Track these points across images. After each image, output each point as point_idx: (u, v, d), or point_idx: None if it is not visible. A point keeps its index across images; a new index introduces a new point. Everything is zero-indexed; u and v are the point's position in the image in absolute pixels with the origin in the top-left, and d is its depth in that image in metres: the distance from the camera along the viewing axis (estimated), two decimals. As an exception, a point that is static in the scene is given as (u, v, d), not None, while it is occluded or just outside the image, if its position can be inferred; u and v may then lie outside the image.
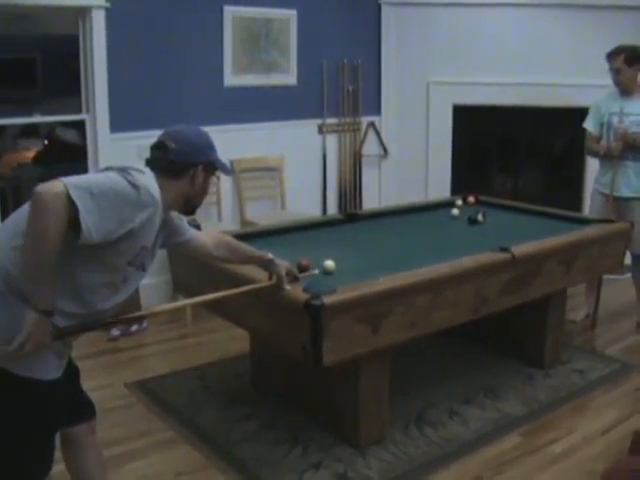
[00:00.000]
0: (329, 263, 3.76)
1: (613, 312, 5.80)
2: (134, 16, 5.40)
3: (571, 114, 6.88)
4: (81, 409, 2.83)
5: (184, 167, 2.68)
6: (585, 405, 4.41)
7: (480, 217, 4.90)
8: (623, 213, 5.27)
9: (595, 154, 5.56)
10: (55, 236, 2.22)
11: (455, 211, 5.18)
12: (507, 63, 6.80)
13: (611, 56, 5.23)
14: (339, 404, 3.86)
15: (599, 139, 5.47)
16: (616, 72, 5.23)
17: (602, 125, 5.42)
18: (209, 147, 2.80)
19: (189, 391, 4.46)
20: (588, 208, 5.80)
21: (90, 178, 2.40)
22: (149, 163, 2.67)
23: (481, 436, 3.98)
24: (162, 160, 2.66)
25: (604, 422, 4.17)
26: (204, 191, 2.82)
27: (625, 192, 5.32)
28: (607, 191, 5.38)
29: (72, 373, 2.75)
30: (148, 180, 2.52)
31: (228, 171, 3.07)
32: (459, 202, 5.49)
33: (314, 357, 3.22)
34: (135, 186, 2.40)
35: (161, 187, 2.56)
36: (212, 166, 2.81)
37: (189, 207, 2.79)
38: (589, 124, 5.53)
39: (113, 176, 2.41)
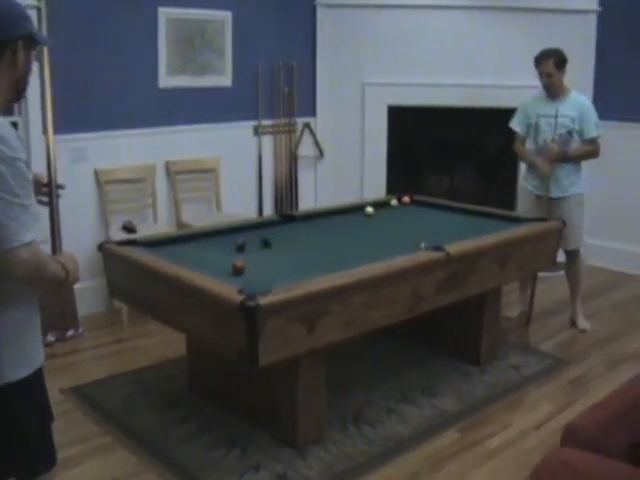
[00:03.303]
0: None
1: (546, 309, 5.89)
2: (67, 17, 5.31)
3: (504, 114, 6.94)
4: None
5: (1, 46, 2.25)
6: (520, 400, 4.49)
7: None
8: (553, 212, 5.37)
9: (522, 158, 5.73)
10: None
11: (369, 209, 5.22)
12: (441, 64, 6.87)
13: (540, 61, 5.32)
14: (277, 405, 3.86)
15: (525, 139, 5.64)
16: (547, 76, 5.31)
17: (529, 126, 5.54)
18: (25, 18, 2.32)
19: (125, 395, 4.41)
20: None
21: None
22: None
23: (419, 433, 4.01)
24: None
25: (539, 416, 4.25)
26: (29, 69, 2.37)
27: (555, 193, 5.43)
28: (538, 192, 5.50)
29: None
30: None
31: (47, 42, 2.85)
32: (394, 202, 5.54)
33: (250, 358, 3.22)
34: None
35: None
36: (32, 39, 2.34)
37: (18, 93, 2.39)
38: (515, 125, 5.64)
39: None
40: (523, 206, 5.67)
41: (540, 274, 5.64)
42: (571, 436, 2.44)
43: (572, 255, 5.61)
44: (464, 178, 7.51)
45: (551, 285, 6.05)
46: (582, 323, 5.61)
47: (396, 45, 6.86)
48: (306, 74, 6.92)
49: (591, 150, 5.44)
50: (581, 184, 5.51)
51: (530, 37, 6.76)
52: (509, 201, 6.97)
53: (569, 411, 4.14)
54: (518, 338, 5.44)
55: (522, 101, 5.67)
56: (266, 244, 4.29)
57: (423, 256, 4.02)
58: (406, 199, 5.62)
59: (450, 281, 4.14)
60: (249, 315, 3.14)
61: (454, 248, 4.14)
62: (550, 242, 4.94)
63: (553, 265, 5.17)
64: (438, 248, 4.09)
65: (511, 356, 5.04)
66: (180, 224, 6.01)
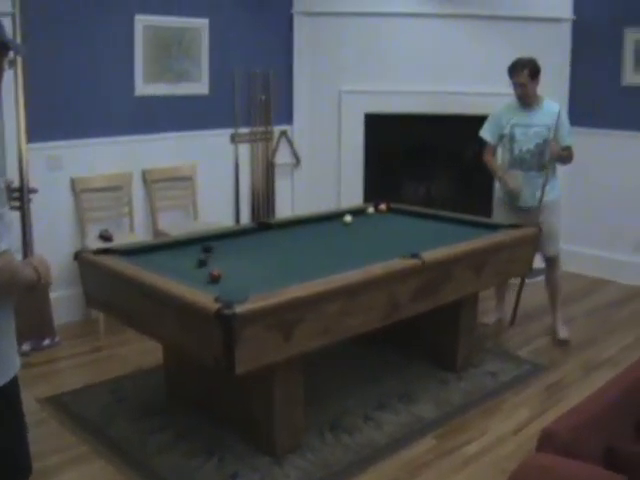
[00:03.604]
0: None
1: (523, 315, 5.90)
2: (43, 25, 5.28)
3: (481, 122, 7.00)
4: None
5: None
6: (497, 406, 4.50)
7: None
8: (530, 220, 5.33)
9: (491, 171, 5.67)
10: None
11: (348, 218, 5.22)
12: (418, 72, 6.90)
13: (515, 71, 5.29)
14: (254, 413, 3.85)
15: (495, 149, 5.63)
16: (522, 86, 5.29)
17: (502, 136, 5.48)
18: None
19: (102, 405, 4.39)
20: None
21: None
22: None
23: (396, 440, 4.02)
24: None
25: (516, 422, 4.26)
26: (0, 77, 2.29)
27: (531, 202, 5.41)
28: (514, 203, 5.48)
29: None
30: None
31: (21, 50, 2.84)
32: (371, 209, 5.55)
33: (227, 366, 3.22)
34: None
35: None
36: (4, 47, 2.28)
37: None
38: (486, 134, 5.60)
39: None
40: (499, 216, 5.59)
41: (516, 280, 5.67)
42: (547, 441, 2.45)
43: (552, 262, 5.60)
44: (441, 185, 7.54)
45: (528, 291, 6.07)
46: (562, 333, 5.55)
47: (373, 53, 6.89)
48: (283, 82, 6.93)
49: (570, 156, 5.45)
50: (557, 189, 5.51)
51: (505, 45, 6.80)
52: (485, 208, 6.99)
53: (546, 416, 4.15)
54: (495, 344, 5.46)
55: (493, 110, 5.63)
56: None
57: (399, 263, 4.02)
58: (383, 206, 5.64)
59: (426, 288, 4.15)
60: (225, 323, 3.14)
61: (430, 255, 4.16)
62: (526, 248, 4.97)
63: (529, 271, 5.20)
64: (414, 255, 4.10)
65: (488, 362, 5.06)
66: (157, 232, 6.00)
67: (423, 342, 4.98)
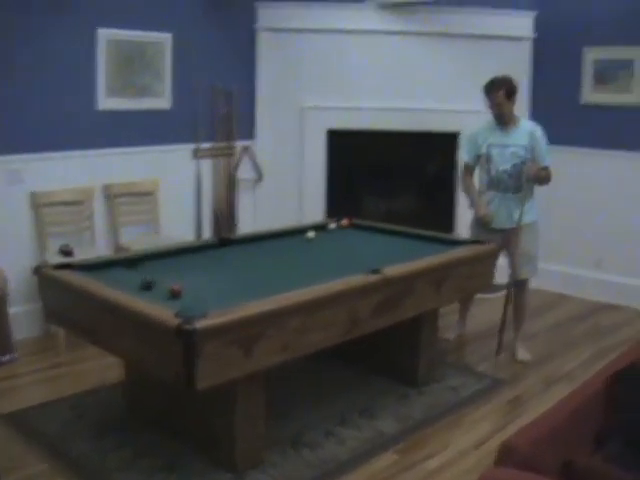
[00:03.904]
0: None
1: (484, 330, 5.95)
2: (3, 37, 5.26)
3: (443, 138, 7.11)
4: None
5: None
6: (459, 420, 4.52)
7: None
8: (508, 242, 5.37)
9: (466, 193, 5.63)
10: None
11: (310, 234, 5.21)
12: (380, 89, 6.93)
13: (491, 92, 5.24)
14: (215, 429, 3.83)
15: (474, 170, 5.55)
16: (498, 107, 5.24)
17: (479, 157, 5.43)
18: None
19: (62, 422, 4.33)
20: (464, 232, 5.91)
21: None
22: None
23: (358, 455, 4.02)
24: None
25: (477, 436, 4.29)
26: None
27: (508, 224, 5.35)
28: (486, 227, 5.41)
29: None
30: None
31: None
32: (333, 225, 5.56)
33: (187, 382, 3.20)
34: None
35: None
36: None
37: None
38: (465, 155, 5.58)
39: None
40: (476, 237, 5.44)
41: (477, 296, 5.71)
42: (505, 455, 2.46)
43: (521, 284, 5.52)
44: (403, 201, 7.56)
45: (488, 306, 6.12)
46: (521, 354, 5.51)
47: (336, 69, 6.92)
48: (246, 97, 6.93)
49: (549, 176, 5.35)
50: (534, 211, 5.45)
51: (468, 62, 6.90)
52: (447, 224, 7.06)
53: (507, 431, 4.17)
54: (456, 359, 5.50)
55: (470, 131, 5.62)
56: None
57: (360, 279, 4.03)
58: (344, 222, 5.65)
59: (387, 303, 4.16)
60: (186, 339, 3.13)
61: (391, 271, 4.17)
62: (486, 264, 5.01)
63: (490, 287, 5.23)
64: (375, 271, 4.11)
65: (449, 377, 5.08)
66: (118, 247, 5.96)
67: (384, 357, 4.99)
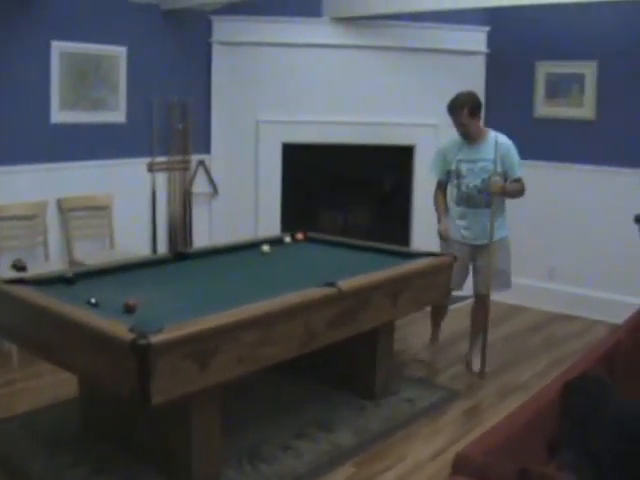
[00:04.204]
0: None
1: (440, 341, 5.97)
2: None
3: (398, 152, 7.15)
4: None
5: None
6: (415, 433, 4.53)
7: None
8: (479, 257, 5.37)
9: (435, 208, 5.54)
10: None
11: (265, 248, 5.20)
12: (335, 102, 6.97)
13: (454, 111, 5.15)
14: (171, 444, 3.80)
15: (446, 186, 5.49)
16: (462, 126, 5.17)
17: (449, 173, 5.36)
18: None
19: (16, 440, 4.26)
20: (420, 244, 5.92)
21: None
22: None
23: (315, 469, 4.01)
24: None
25: (434, 448, 4.31)
26: None
27: (482, 240, 5.30)
28: (464, 241, 5.37)
29: None
30: None
31: None
32: (288, 239, 5.55)
33: (142, 397, 3.17)
34: None
35: None
36: None
37: None
38: (434, 172, 5.49)
39: None
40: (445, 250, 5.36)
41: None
42: (461, 465, 2.47)
43: (485, 298, 5.43)
44: (358, 215, 7.60)
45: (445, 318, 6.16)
46: (477, 365, 5.49)
47: (291, 83, 6.94)
48: (201, 111, 6.92)
49: (521, 189, 5.32)
50: (505, 227, 5.43)
51: (424, 76, 6.99)
52: (403, 237, 7.09)
53: (463, 441, 4.19)
54: (412, 371, 5.51)
55: (438, 147, 5.56)
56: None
57: (315, 292, 4.03)
58: (300, 236, 5.64)
59: (343, 316, 4.17)
60: (140, 354, 3.10)
61: (346, 284, 4.18)
62: (443, 276, 5.03)
63: (446, 298, 5.27)
64: (331, 284, 4.11)
65: (406, 389, 5.09)
66: (72, 262, 5.90)
67: (341, 370, 4.99)
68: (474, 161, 5.24)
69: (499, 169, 5.18)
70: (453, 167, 5.33)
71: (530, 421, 2.80)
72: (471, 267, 5.49)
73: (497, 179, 5.15)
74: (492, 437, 2.63)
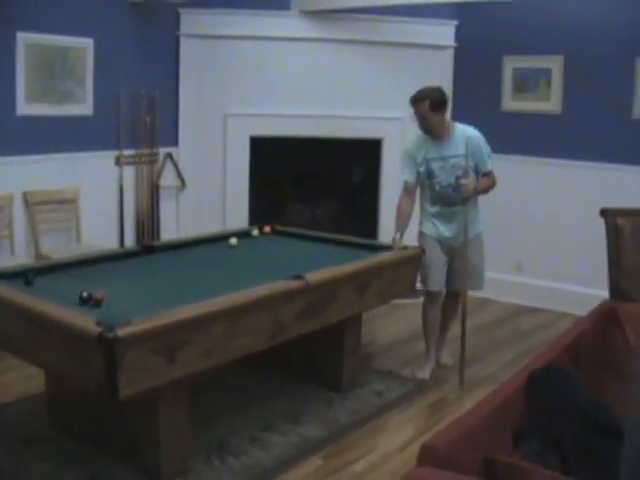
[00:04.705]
0: None
1: (407, 335, 6.02)
2: None
3: (366, 145, 7.16)
4: None
5: None
6: (384, 424, 4.57)
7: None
8: (455, 255, 5.23)
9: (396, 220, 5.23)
10: None
11: (233, 241, 5.20)
12: (303, 96, 6.96)
13: (415, 102, 4.96)
14: (139, 437, 3.79)
15: (415, 189, 5.23)
16: (421, 118, 4.98)
17: (420, 174, 5.12)
18: None
19: (-20, 435, 4.25)
20: (387, 237, 5.89)
21: None
22: None
23: (283, 461, 4.02)
24: None
25: (402, 439, 4.34)
26: None
27: (460, 238, 5.13)
28: (442, 239, 5.20)
29: None
30: None
31: None
32: (256, 232, 5.55)
33: (110, 391, 3.17)
34: None
35: None
36: None
37: None
38: (406, 174, 5.19)
39: None
40: (428, 249, 5.19)
41: (400, 301, 5.77)
42: (427, 455, 2.49)
43: (458, 294, 5.36)
44: (326, 208, 7.61)
45: (411, 311, 6.18)
46: (445, 358, 5.55)
47: (258, 76, 6.92)
48: (169, 104, 6.88)
49: (492, 183, 5.22)
50: (479, 222, 5.31)
51: (392, 70, 7.00)
52: (370, 230, 7.12)
53: (431, 432, 4.20)
54: (380, 364, 5.54)
55: (405, 148, 5.29)
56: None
57: (283, 285, 4.05)
58: (267, 229, 5.65)
59: (310, 309, 4.19)
60: (108, 347, 3.09)
61: (314, 276, 4.19)
62: (408, 269, 5.07)
63: (413, 291, 5.29)
64: (298, 277, 4.13)
65: (373, 382, 5.12)
66: (39, 256, 5.86)
67: (309, 363, 5.01)
68: (445, 158, 5.05)
69: (470, 163, 5.03)
70: (422, 168, 5.11)
71: (495, 411, 2.83)
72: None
73: (467, 181, 5.01)
74: (457, 428, 2.66)
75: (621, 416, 2.81)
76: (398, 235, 5.12)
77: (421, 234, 5.28)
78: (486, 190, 5.23)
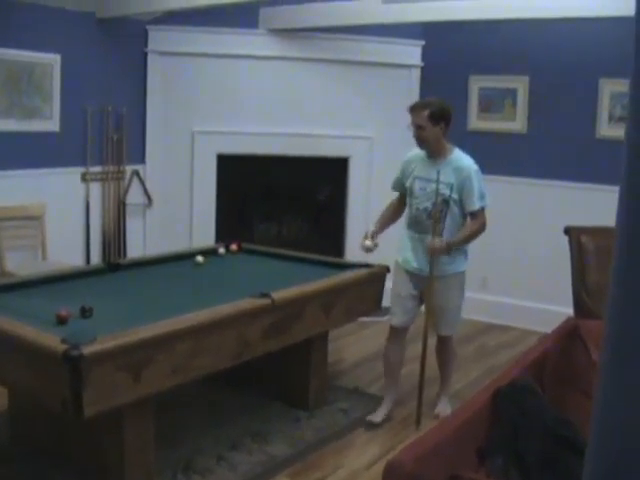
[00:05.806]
0: None
1: (374, 352, 6.01)
2: None
3: (334, 164, 7.19)
4: None
5: None
6: (350, 442, 4.57)
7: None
8: (431, 289, 4.67)
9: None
10: None
11: (199, 259, 5.18)
12: (270, 114, 6.99)
13: (414, 110, 4.53)
14: (105, 456, 3.76)
15: (402, 197, 4.85)
16: (419, 128, 4.50)
17: (405, 188, 4.75)
18: None
19: (-58, 454, 4.18)
20: (354, 256, 5.90)
21: None
22: None
23: (249, 480, 4.01)
24: None
25: (368, 457, 4.35)
26: None
27: (426, 272, 4.66)
28: (408, 269, 4.76)
29: None
30: None
31: None
32: (222, 250, 5.54)
33: (74, 409, 3.15)
34: None
35: None
36: None
37: None
38: (393, 186, 4.90)
39: None
40: (397, 281, 4.84)
41: (366, 319, 5.78)
42: (392, 472, 2.50)
43: (444, 339, 4.95)
44: (293, 226, 7.62)
45: (377, 329, 6.20)
46: (439, 408, 4.99)
47: (226, 94, 6.94)
48: (136, 120, 6.87)
49: (476, 229, 4.65)
50: (462, 260, 4.79)
51: (358, 89, 7.04)
52: (337, 248, 7.14)
53: (397, 450, 4.23)
54: (346, 381, 5.54)
55: (403, 158, 4.87)
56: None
57: (249, 303, 4.05)
58: (234, 247, 5.65)
59: (276, 327, 4.19)
60: (72, 365, 3.07)
61: (280, 295, 4.21)
62: (375, 286, 5.09)
63: (379, 309, 5.30)
64: (264, 295, 4.13)
65: (340, 400, 5.13)
66: (3, 273, 5.80)
67: (276, 381, 5.01)
68: (428, 180, 4.55)
69: (455, 195, 4.52)
70: (408, 183, 4.70)
71: (460, 428, 2.85)
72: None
73: (432, 242, 4.51)
74: (423, 444, 2.67)
75: (584, 432, 2.84)
76: (371, 230, 4.76)
77: (395, 264, 4.88)
78: (467, 240, 4.69)
